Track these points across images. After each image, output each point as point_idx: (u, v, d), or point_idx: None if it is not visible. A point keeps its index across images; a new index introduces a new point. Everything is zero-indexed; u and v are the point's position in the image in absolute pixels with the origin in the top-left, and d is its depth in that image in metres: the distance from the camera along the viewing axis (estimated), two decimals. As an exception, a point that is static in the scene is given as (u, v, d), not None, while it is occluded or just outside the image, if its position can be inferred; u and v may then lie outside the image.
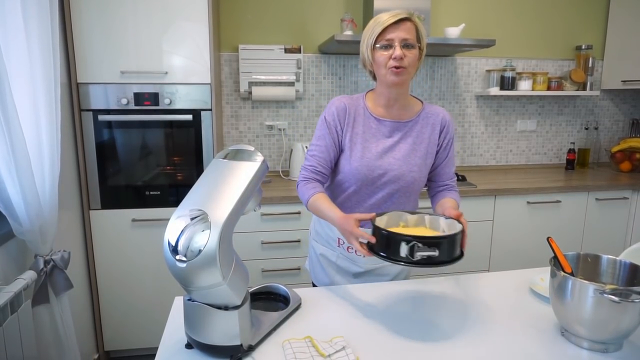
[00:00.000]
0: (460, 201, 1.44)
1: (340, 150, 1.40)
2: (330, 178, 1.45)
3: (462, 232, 1.10)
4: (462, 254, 1.09)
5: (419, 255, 1.01)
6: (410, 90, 2.94)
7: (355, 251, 1.33)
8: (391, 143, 1.37)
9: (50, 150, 1.61)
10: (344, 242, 1.44)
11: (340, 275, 1.49)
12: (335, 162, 1.41)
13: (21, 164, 1.40)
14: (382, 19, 1.26)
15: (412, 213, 1.22)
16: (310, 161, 1.39)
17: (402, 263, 1.03)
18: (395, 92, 1.34)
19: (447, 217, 1.18)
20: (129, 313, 2.29)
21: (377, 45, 1.28)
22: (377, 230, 1.09)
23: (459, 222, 1.14)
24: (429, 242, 1.02)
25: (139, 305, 2.29)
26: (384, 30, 1.25)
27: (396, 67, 1.26)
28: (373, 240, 1.09)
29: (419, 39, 1.30)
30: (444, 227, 1.17)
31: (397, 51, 1.24)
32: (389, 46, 1.26)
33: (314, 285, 1.58)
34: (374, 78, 1.38)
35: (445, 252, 1.03)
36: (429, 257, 1.02)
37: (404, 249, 1.02)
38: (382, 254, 1.07)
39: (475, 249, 2.52)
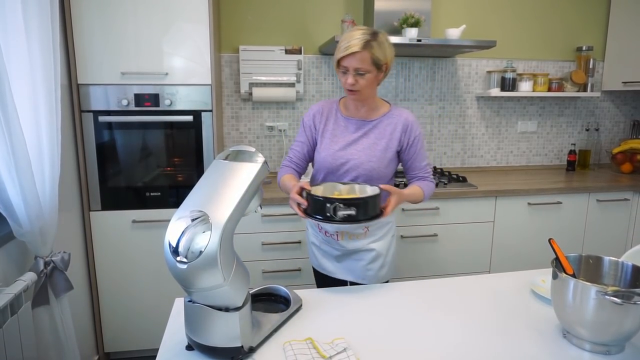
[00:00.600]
0: (430, 188, 1.62)
1: (314, 147, 1.66)
2: (313, 171, 1.68)
3: (379, 195, 1.33)
4: (380, 213, 1.33)
5: (340, 214, 1.24)
6: (411, 91, 2.95)
7: (331, 235, 1.60)
8: (355, 137, 1.57)
9: (51, 151, 1.61)
10: (321, 228, 1.63)
11: (325, 258, 1.68)
12: (311, 157, 1.69)
13: (21, 165, 1.40)
14: (341, 47, 1.45)
15: (344, 184, 1.47)
16: (289, 154, 1.69)
17: (328, 222, 1.28)
18: (358, 102, 1.56)
19: (372, 186, 1.41)
20: (129, 314, 2.29)
21: (338, 68, 1.50)
22: (309, 196, 1.31)
23: (381, 189, 1.37)
24: (347, 202, 1.25)
25: (139, 306, 2.29)
26: (343, 57, 1.45)
27: (350, 91, 1.49)
28: (304, 203, 1.32)
29: (375, 62, 1.45)
30: (369, 193, 1.38)
31: (350, 79, 1.46)
32: (345, 72, 1.48)
33: (313, 269, 1.77)
34: None
35: (362, 211, 1.27)
36: (349, 215, 1.25)
37: (329, 210, 1.25)
38: (313, 215, 1.29)
39: (475, 250, 2.52)
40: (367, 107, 1.59)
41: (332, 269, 1.67)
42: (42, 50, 1.54)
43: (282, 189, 1.60)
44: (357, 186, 1.44)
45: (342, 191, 1.45)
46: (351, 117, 1.60)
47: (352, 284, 1.63)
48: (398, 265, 2.43)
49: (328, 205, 1.25)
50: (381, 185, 1.38)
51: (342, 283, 1.63)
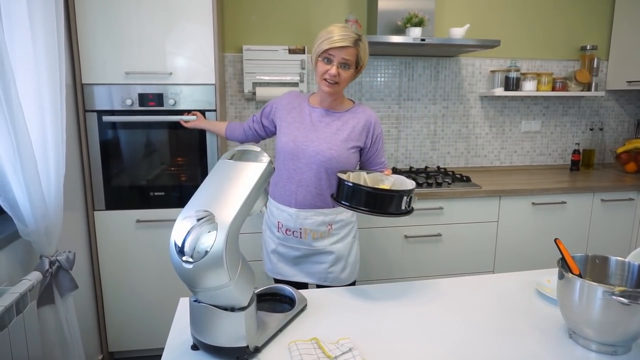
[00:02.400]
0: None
1: (264, 129, 1.81)
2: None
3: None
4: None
5: (413, 206, 1.26)
6: (415, 91, 2.94)
7: (293, 232, 1.63)
8: (318, 126, 1.62)
9: (56, 151, 1.62)
10: (282, 226, 1.66)
11: (282, 262, 1.70)
12: (255, 138, 1.88)
13: (27, 165, 1.40)
14: (333, 38, 1.49)
15: (368, 172, 1.45)
16: (247, 122, 1.89)
17: (396, 216, 1.25)
18: (327, 95, 1.60)
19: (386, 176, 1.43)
20: (133, 314, 2.29)
21: (321, 57, 1.53)
22: (377, 193, 1.24)
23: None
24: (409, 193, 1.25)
25: (144, 306, 2.29)
26: (330, 47, 1.49)
27: (328, 81, 1.53)
28: None
29: (357, 60, 1.54)
30: (408, 184, 1.36)
31: (333, 70, 1.51)
32: (329, 61, 1.52)
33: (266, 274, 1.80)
34: None
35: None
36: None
37: (405, 202, 1.24)
38: (381, 211, 1.24)
39: (479, 250, 2.51)
40: (331, 102, 1.64)
41: (290, 272, 1.69)
42: (47, 51, 1.54)
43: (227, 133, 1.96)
44: (377, 174, 1.44)
45: (369, 180, 1.42)
46: (316, 107, 1.65)
47: (319, 286, 1.65)
48: (402, 265, 2.43)
49: (405, 198, 1.24)
50: (386, 172, 1.43)
51: (300, 286, 1.61)
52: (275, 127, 1.74)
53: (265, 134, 1.84)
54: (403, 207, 1.24)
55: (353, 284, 1.73)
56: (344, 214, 1.66)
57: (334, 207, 1.63)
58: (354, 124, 1.62)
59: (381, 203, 1.24)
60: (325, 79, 1.54)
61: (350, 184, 1.25)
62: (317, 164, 1.58)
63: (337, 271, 1.66)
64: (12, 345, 1.27)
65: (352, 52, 1.51)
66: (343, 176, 1.31)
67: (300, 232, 1.63)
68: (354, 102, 1.69)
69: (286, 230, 1.66)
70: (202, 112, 2.19)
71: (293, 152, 1.61)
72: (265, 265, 1.78)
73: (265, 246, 1.77)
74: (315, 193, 1.61)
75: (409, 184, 1.36)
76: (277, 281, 1.73)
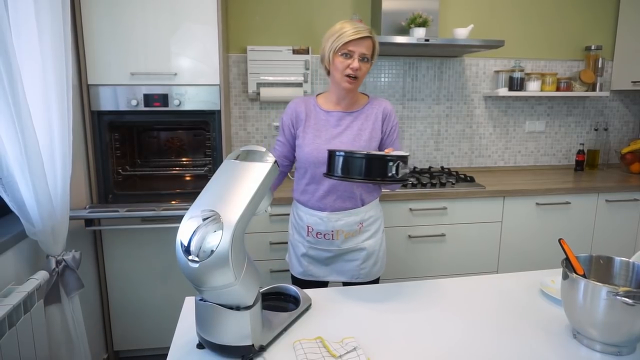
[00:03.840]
0: None
1: (294, 148, 1.68)
2: (296, 170, 1.69)
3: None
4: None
5: (401, 171, 1.22)
6: (419, 91, 2.94)
7: (324, 235, 1.59)
8: (339, 130, 1.58)
9: (62, 151, 1.63)
10: (312, 230, 1.62)
11: (312, 265, 1.67)
12: (292, 157, 1.72)
13: (34, 165, 1.42)
14: (349, 32, 1.46)
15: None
16: (273, 153, 1.71)
17: (385, 182, 1.25)
18: (344, 93, 1.57)
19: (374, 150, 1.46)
20: (138, 313, 2.31)
21: (339, 53, 1.49)
22: (360, 158, 1.24)
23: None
24: (404, 158, 1.23)
25: (149, 305, 2.30)
26: (350, 41, 1.46)
27: (350, 76, 1.49)
28: None
29: (374, 53, 1.53)
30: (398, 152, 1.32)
31: (355, 63, 1.47)
32: (349, 56, 1.48)
33: (292, 277, 1.75)
34: (328, 74, 1.59)
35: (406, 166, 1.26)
36: (405, 172, 1.25)
37: (390, 169, 1.22)
38: (370, 177, 1.24)
39: (483, 250, 2.51)
40: (349, 101, 1.60)
41: (322, 273, 1.67)
42: (54, 52, 1.56)
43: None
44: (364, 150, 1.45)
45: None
46: (331, 110, 1.61)
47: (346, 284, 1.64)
48: (406, 265, 2.43)
49: (390, 163, 1.21)
50: (387, 150, 1.35)
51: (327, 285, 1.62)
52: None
53: (293, 153, 1.71)
54: (395, 173, 1.22)
55: (377, 279, 1.72)
56: (372, 210, 1.64)
57: (363, 206, 1.60)
58: (374, 119, 1.58)
59: (372, 168, 1.23)
60: (348, 75, 1.49)
61: (342, 153, 1.25)
62: None
63: (369, 266, 1.64)
64: (19, 344, 1.28)
65: (370, 44, 1.49)
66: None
67: (332, 234, 1.60)
68: (368, 96, 1.65)
69: (317, 233, 1.62)
70: (207, 112, 2.19)
71: (319, 160, 1.54)
72: (294, 269, 1.72)
73: (293, 250, 1.72)
74: (346, 197, 1.58)
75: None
76: (303, 284, 1.68)
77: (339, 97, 1.59)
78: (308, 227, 1.63)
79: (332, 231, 1.59)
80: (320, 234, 1.61)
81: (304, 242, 1.66)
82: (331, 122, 1.59)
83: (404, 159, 1.24)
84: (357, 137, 1.56)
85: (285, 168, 1.74)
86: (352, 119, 1.59)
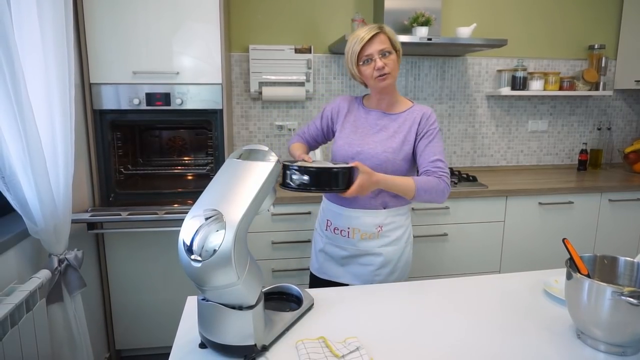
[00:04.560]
0: (431, 184, 1.47)
1: (325, 136, 1.73)
2: None
3: (341, 171, 1.32)
4: (343, 189, 1.33)
5: (295, 178, 1.30)
6: (421, 90, 2.94)
7: (341, 231, 1.59)
8: (375, 130, 1.57)
9: (65, 150, 1.63)
10: (331, 224, 1.63)
11: (328, 262, 1.65)
12: (318, 144, 1.77)
13: (36, 164, 1.42)
14: (360, 36, 1.46)
15: (335, 163, 1.41)
16: (304, 129, 1.77)
17: (288, 188, 1.33)
18: (383, 94, 1.57)
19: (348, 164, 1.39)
20: (140, 312, 2.31)
21: (360, 63, 1.49)
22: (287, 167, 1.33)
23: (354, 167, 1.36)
24: (302, 169, 1.29)
25: (151, 304, 2.30)
26: (362, 47, 1.46)
27: (381, 76, 1.47)
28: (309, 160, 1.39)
29: (393, 45, 1.49)
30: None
31: (378, 63, 1.46)
32: (370, 60, 1.47)
33: (310, 277, 1.75)
34: (366, 86, 1.60)
35: (315, 180, 1.30)
36: (302, 182, 1.30)
37: (287, 175, 1.32)
38: (283, 182, 1.35)
39: (486, 250, 2.51)
40: (389, 101, 1.58)
41: (336, 273, 1.63)
42: (57, 51, 1.56)
43: (290, 153, 1.67)
44: (341, 164, 1.43)
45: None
46: (372, 109, 1.61)
47: None
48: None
49: (287, 171, 1.32)
50: (356, 163, 1.35)
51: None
52: (332, 133, 1.69)
53: (323, 139, 1.76)
54: (289, 181, 1.32)
55: None
56: (396, 217, 1.57)
57: (385, 209, 1.56)
58: (410, 124, 1.54)
59: (283, 175, 1.34)
60: (377, 77, 1.48)
61: (295, 167, 1.31)
62: (372, 166, 1.47)
63: (385, 274, 1.58)
64: (22, 342, 1.29)
65: (383, 38, 1.47)
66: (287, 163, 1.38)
67: (349, 232, 1.57)
68: (412, 103, 1.61)
69: (334, 229, 1.61)
70: (209, 111, 2.19)
71: (348, 154, 1.56)
72: (312, 265, 1.73)
73: (314, 245, 1.74)
74: (368, 196, 1.52)
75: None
76: (318, 281, 1.69)
77: (379, 99, 1.59)
78: (327, 220, 1.64)
79: (349, 228, 1.57)
80: (338, 229, 1.60)
81: (322, 237, 1.67)
82: (369, 121, 1.59)
83: (302, 169, 1.30)
84: (391, 138, 1.53)
85: (309, 146, 1.78)
86: (390, 120, 1.56)
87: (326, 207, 1.66)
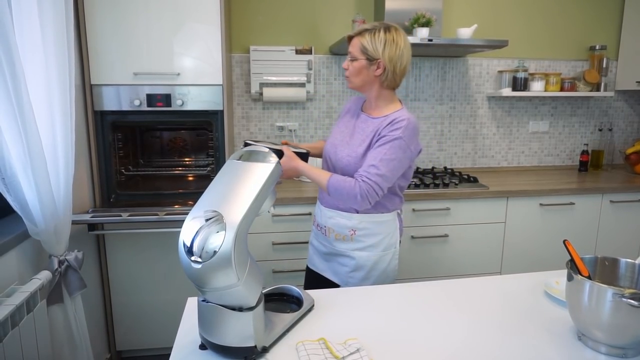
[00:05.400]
0: (343, 186, 1.44)
1: None
2: None
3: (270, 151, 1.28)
4: None
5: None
6: (422, 91, 2.93)
7: (321, 228, 1.64)
8: (355, 132, 1.57)
9: (65, 151, 1.63)
10: (315, 220, 1.71)
11: (316, 255, 1.71)
12: None
13: (37, 166, 1.42)
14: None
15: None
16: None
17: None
18: (366, 95, 1.60)
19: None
20: (141, 313, 2.31)
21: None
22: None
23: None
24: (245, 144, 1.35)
25: (151, 305, 2.30)
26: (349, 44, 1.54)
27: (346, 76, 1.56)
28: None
29: (364, 51, 1.48)
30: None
31: (344, 63, 1.55)
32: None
33: (306, 269, 1.79)
34: None
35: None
36: None
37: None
38: None
39: (486, 251, 2.50)
40: (373, 104, 1.57)
41: (321, 267, 1.69)
42: (57, 52, 1.56)
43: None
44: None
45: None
46: (363, 112, 1.62)
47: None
48: (409, 266, 2.43)
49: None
50: (283, 148, 1.48)
51: (328, 285, 1.58)
52: None
53: None
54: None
55: None
56: (372, 224, 1.55)
57: (357, 214, 1.54)
58: (378, 130, 1.48)
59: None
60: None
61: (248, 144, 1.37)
62: (340, 169, 1.54)
63: (358, 278, 1.57)
64: (22, 343, 1.28)
65: (355, 42, 1.49)
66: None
67: (325, 230, 1.62)
68: (400, 107, 1.54)
69: (317, 225, 1.68)
70: (210, 112, 2.19)
71: (329, 152, 1.61)
72: (308, 258, 1.79)
73: (310, 237, 1.80)
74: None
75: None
76: (311, 274, 1.74)
77: (366, 101, 1.62)
78: (314, 216, 1.73)
79: (325, 227, 1.62)
80: (319, 226, 1.66)
81: (312, 230, 1.75)
82: (356, 123, 1.60)
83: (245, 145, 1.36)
84: (361, 143, 1.50)
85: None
86: (369, 124, 1.53)
87: (317, 203, 1.72)
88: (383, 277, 1.60)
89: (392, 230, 1.60)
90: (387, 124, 1.46)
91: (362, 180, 1.42)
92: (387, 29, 1.47)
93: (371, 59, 1.47)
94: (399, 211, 1.63)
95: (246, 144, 1.38)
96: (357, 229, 1.55)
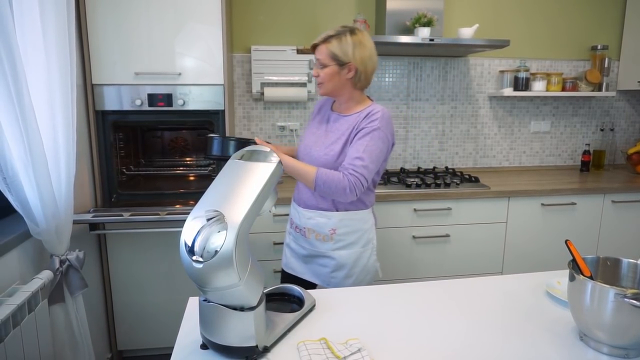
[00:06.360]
0: (332, 178, 1.45)
1: None
2: None
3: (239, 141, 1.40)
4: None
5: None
6: (423, 91, 2.93)
7: (300, 230, 1.64)
8: (328, 131, 1.59)
9: (66, 151, 1.63)
10: (293, 222, 1.70)
11: (294, 258, 1.71)
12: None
13: (38, 165, 1.42)
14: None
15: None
16: None
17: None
18: (335, 96, 1.60)
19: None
20: (142, 313, 2.31)
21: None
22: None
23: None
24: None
25: (153, 305, 2.30)
26: (314, 50, 1.55)
27: (318, 84, 1.56)
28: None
29: (334, 57, 1.49)
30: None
31: (314, 71, 1.55)
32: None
33: (281, 272, 1.79)
34: None
35: (210, 148, 1.43)
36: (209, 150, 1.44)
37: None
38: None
39: (488, 251, 2.50)
40: (344, 103, 1.59)
41: (300, 269, 1.69)
42: (59, 51, 1.56)
43: None
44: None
45: None
46: (334, 111, 1.64)
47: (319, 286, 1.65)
48: (410, 266, 2.43)
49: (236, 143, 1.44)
50: (257, 139, 1.42)
51: (307, 286, 1.58)
52: None
53: None
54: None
55: None
56: (351, 221, 1.58)
57: (337, 212, 1.58)
58: (354, 126, 1.52)
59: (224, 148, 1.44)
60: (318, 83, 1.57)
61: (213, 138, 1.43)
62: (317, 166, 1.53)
63: (340, 277, 1.60)
64: (24, 343, 1.29)
65: (322, 49, 1.50)
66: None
67: (305, 231, 1.63)
68: (370, 102, 1.59)
69: (295, 227, 1.68)
70: (211, 112, 2.19)
71: (303, 154, 1.62)
72: (282, 259, 1.78)
73: (285, 240, 1.78)
74: (318, 195, 1.57)
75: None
76: (288, 277, 1.73)
77: (336, 101, 1.64)
78: (291, 219, 1.71)
79: (305, 228, 1.62)
80: (298, 228, 1.66)
81: (289, 233, 1.73)
82: (328, 123, 1.62)
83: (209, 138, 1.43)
84: (336, 141, 1.53)
85: None
86: (342, 123, 1.56)
87: (292, 205, 1.72)
88: (364, 273, 1.63)
89: (369, 227, 1.64)
90: (363, 118, 1.50)
91: (350, 173, 1.44)
92: (353, 32, 1.50)
93: (342, 64, 1.49)
94: (373, 207, 1.68)
95: (210, 138, 1.43)
96: (337, 227, 1.58)
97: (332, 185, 1.44)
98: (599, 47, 2.97)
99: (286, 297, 1.27)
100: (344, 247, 1.59)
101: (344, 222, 1.58)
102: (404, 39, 2.37)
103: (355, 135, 1.49)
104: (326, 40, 1.50)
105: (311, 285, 1.66)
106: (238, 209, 0.94)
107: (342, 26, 1.52)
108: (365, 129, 1.48)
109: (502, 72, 2.94)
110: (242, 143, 1.39)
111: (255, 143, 1.37)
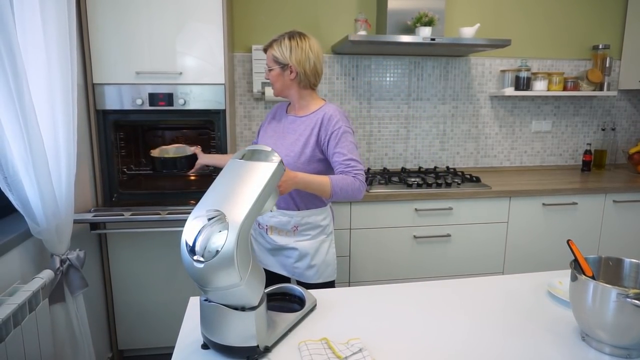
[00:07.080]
0: (346, 182, 1.51)
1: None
2: None
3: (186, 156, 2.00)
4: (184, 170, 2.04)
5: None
6: (424, 91, 2.92)
7: (262, 228, 1.71)
8: (285, 133, 1.66)
9: (67, 150, 1.63)
10: (256, 220, 1.66)
11: (261, 251, 1.77)
12: None
13: (38, 164, 1.42)
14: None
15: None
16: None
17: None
18: (289, 98, 1.69)
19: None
20: (143, 312, 2.31)
21: None
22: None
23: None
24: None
25: (154, 304, 2.30)
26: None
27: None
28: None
29: (275, 60, 1.60)
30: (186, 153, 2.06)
31: (265, 74, 1.67)
32: None
33: None
34: None
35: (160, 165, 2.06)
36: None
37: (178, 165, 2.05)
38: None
39: (489, 251, 2.50)
40: (298, 104, 1.67)
41: (268, 262, 1.75)
42: (59, 51, 1.56)
43: None
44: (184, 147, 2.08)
45: (169, 151, 2.08)
46: (289, 114, 1.71)
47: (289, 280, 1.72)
48: (411, 266, 2.42)
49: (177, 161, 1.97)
50: (193, 148, 1.77)
51: (280, 280, 1.67)
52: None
53: None
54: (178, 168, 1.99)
55: (332, 284, 1.72)
56: (312, 217, 1.66)
57: (299, 210, 1.65)
58: (313, 126, 1.60)
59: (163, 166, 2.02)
60: None
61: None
62: None
63: (302, 267, 1.68)
64: (24, 342, 1.29)
65: (268, 54, 1.63)
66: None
67: (267, 229, 1.70)
68: (323, 102, 1.67)
69: (258, 224, 1.74)
70: (212, 111, 2.19)
71: None
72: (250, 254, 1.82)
73: (253, 235, 1.82)
74: (280, 197, 1.54)
75: (188, 151, 2.05)
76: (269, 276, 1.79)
77: (290, 103, 1.73)
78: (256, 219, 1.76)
79: (267, 226, 1.69)
80: (261, 225, 1.72)
81: (255, 229, 1.79)
82: (284, 125, 1.69)
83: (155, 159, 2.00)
84: (295, 142, 1.61)
85: None
86: (299, 124, 1.64)
87: None
88: (324, 265, 1.70)
89: (328, 221, 1.73)
90: (325, 123, 1.58)
91: (355, 174, 1.54)
92: (291, 36, 1.59)
93: (283, 65, 1.60)
94: (330, 204, 1.77)
95: (151, 158, 1.92)
96: (300, 224, 1.66)
97: (348, 189, 1.52)
98: (600, 47, 2.97)
99: (287, 297, 1.26)
100: (305, 239, 1.68)
101: (306, 219, 1.66)
102: (405, 38, 2.37)
103: (328, 139, 1.57)
104: (270, 45, 1.62)
105: (282, 279, 1.70)
106: (239, 208, 0.94)
107: (286, 32, 1.62)
108: (335, 132, 1.57)
109: (503, 71, 2.94)
110: (179, 159, 1.92)
111: (192, 152, 1.80)
